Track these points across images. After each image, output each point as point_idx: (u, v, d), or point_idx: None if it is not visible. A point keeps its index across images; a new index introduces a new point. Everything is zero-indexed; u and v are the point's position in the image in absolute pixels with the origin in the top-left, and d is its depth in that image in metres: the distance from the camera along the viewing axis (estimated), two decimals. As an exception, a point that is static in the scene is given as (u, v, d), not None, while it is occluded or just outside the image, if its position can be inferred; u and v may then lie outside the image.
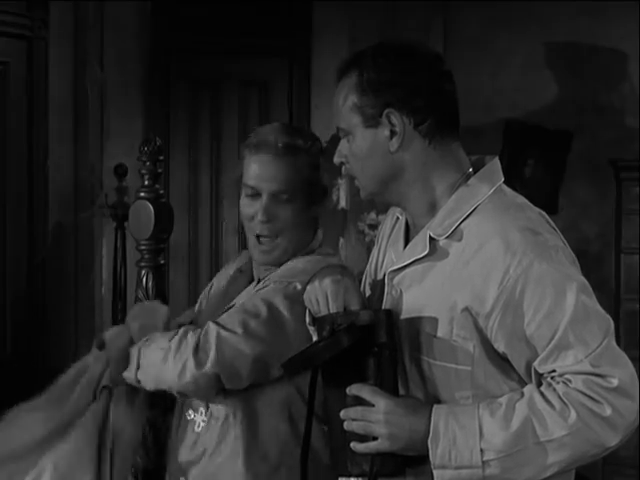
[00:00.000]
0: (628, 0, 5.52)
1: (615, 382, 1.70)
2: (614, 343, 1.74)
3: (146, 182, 3.28)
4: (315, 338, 1.92)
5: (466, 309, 1.76)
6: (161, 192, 3.39)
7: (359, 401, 1.77)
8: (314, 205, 2.27)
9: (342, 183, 5.34)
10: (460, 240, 1.80)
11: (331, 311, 1.85)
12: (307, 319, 1.96)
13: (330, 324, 1.80)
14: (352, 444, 1.77)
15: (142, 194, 3.24)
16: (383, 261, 1.97)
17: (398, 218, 1.98)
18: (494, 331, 1.75)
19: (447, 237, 1.81)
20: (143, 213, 3.18)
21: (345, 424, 1.78)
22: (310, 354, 1.79)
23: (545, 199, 5.56)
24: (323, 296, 1.87)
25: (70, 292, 4.90)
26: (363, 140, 1.84)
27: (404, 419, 1.74)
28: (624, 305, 5.34)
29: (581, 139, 5.73)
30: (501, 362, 1.78)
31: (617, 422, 1.70)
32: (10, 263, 4.67)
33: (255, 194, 2.22)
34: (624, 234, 5.41)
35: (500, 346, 1.76)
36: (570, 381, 1.71)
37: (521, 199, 1.87)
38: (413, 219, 1.90)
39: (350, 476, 1.82)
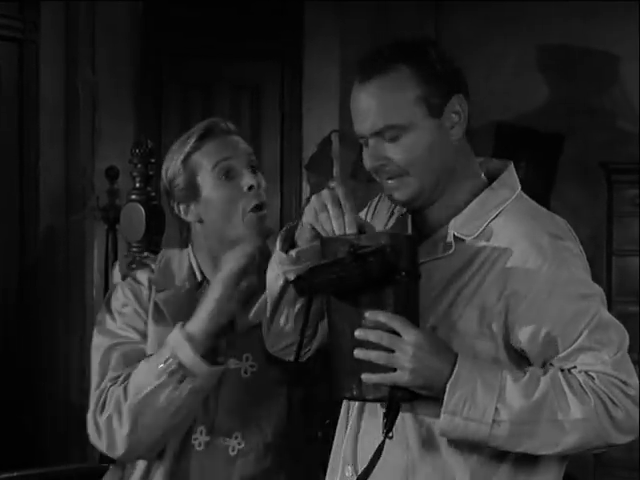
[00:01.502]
0: (620, 0, 5.53)
1: (633, 391, 1.75)
2: (627, 354, 1.79)
3: (137, 184, 3.29)
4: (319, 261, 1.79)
5: (493, 308, 1.78)
6: (152, 194, 3.39)
7: (376, 326, 1.71)
8: None
9: (333, 186, 5.34)
10: (487, 241, 1.82)
11: (347, 219, 1.75)
12: (278, 245, 1.87)
13: (348, 246, 1.69)
14: (364, 376, 1.70)
15: (133, 196, 3.24)
16: None
17: (394, 214, 1.98)
18: (517, 330, 1.77)
19: (474, 238, 1.83)
20: (135, 215, 3.18)
21: (361, 353, 1.70)
22: (337, 280, 1.67)
23: (536, 201, 5.55)
24: (334, 200, 1.79)
25: (61, 294, 4.89)
26: (426, 132, 1.82)
27: (430, 357, 1.71)
28: (616, 307, 5.34)
29: (573, 142, 5.74)
30: (519, 359, 1.80)
31: (627, 425, 1.74)
32: (1, 265, 4.66)
33: (230, 170, 2.17)
34: (616, 236, 5.42)
35: (520, 344, 1.78)
36: (593, 377, 1.74)
37: (542, 207, 1.92)
38: (425, 213, 1.89)
39: (364, 401, 1.78)
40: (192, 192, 2.21)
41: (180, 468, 2.20)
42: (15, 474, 3.43)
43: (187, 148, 2.20)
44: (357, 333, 1.71)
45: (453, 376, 1.71)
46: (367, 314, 1.71)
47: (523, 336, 1.77)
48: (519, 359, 1.79)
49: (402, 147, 1.82)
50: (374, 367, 1.71)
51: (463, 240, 1.83)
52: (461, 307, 1.79)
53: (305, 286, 1.73)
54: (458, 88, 1.84)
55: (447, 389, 1.71)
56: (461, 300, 1.79)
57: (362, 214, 2.03)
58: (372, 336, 1.70)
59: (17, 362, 4.65)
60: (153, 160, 3.38)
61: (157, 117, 5.34)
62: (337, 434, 1.97)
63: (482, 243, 1.81)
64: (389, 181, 1.86)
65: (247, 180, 2.16)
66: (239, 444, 2.17)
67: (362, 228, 1.77)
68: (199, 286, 2.24)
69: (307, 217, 1.81)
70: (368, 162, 1.86)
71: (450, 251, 1.82)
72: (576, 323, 1.76)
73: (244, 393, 2.18)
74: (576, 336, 1.75)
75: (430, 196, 1.87)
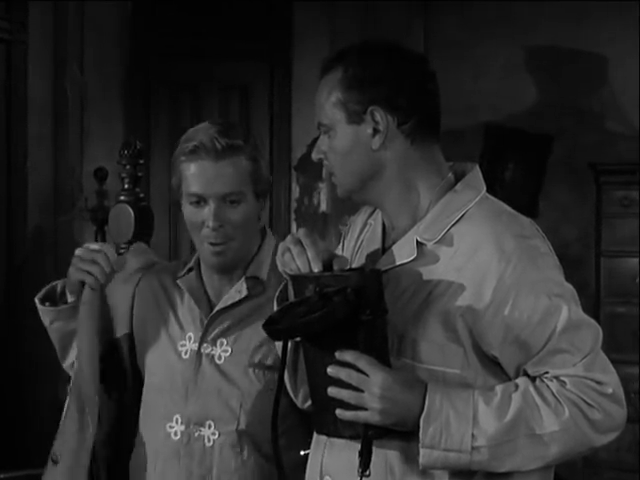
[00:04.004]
0: (609, 1, 5.55)
1: (610, 389, 1.74)
2: (601, 352, 1.77)
3: (126, 185, 3.27)
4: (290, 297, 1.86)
5: (458, 313, 1.76)
6: (141, 195, 3.38)
7: (348, 364, 1.73)
8: (260, 199, 2.25)
9: (323, 187, 5.34)
10: (450, 245, 1.80)
11: (309, 254, 1.78)
12: (275, 306, 1.90)
13: (314, 284, 1.72)
14: (338, 411, 1.73)
15: (122, 197, 3.23)
16: (351, 264, 1.96)
17: (370, 224, 1.98)
18: (486, 335, 1.76)
19: (436, 242, 1.81)
20: (123, 216, 3.17)
21: (334, 391, 1.73)
22: (301, 325, 1.70)
23: (525, 202, 5.57)
24: (294, 240, 1.81)
25: (49, 296, 4.86)
26: (345, 136, 1.83)
27: (399, 395, 1.72)
28: (604, 308, 5.36)
29: (561, 143, 5.74)
30: (491, 364, 1.79)
31: (606, 425, 1.74)
32: (-11, 266, 4.65)
33: (200, 201, 2.18)
34: (604, 237, 5.43)
35: (490, 349, 1.77)
36: (565, 382, 1.73)
37: (508, 207, 1.88)
38: (391, 220, 1.89)
39: (340, 437, 1.79)
40: (180, 193, 2.25)
41: (158, 456, 2.23)
42: (2, 476, 3.41)
43: (178, 152, 2.22)
44: (329, 370, 1.73)
45: (425, 410, 1.71)
46: (336, 354, 1.72)
47: (494, 343, 1.76)
48: (490, 364, 1.78)
49: (330, 145, 1.86)
50: (347, 404, 1.73)
51: (426, 245, 1.81)
52: (427, 314, 1.78)
53: (276, 331, 1.75)
54: (378, 99, 1.80)
55: (421, 424, 1.71)
56: (427, 307, 1.78)
57: (348, 227, 2.06)
58: (342, 374, 1.72)
59: (3, 363, 4.63)
60: (142, 161, 3.36)
61: (146, 118, 5.33)
62: (314, 444, 1.95)
63: (446, 248, 1.80)
64: (331, 177, 1.90)
65: (207, 219, 2.18)
66: (213, 434, 2.18)
67: (331, 259, 1.78)
68: (189, 270, 2.32)
69: (279, 266, 1.86)
70: (313, 153, 1.90)
71: (412, 257, 1.81)
72: (545, 323, 1.74)
73: (218, 380, 2.20)
74: (547, 336, 1.74)
75: (362, 197, 1.89)
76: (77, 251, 2.24)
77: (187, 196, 2.20)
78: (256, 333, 2.15)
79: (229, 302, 2.23)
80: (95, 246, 2.25)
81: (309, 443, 1.98)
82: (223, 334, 2.22)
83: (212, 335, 2.23)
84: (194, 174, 2.17)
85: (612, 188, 5.42)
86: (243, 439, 2.18)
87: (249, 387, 2.19)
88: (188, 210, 2.21)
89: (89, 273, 2.22)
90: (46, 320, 2.35)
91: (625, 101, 5.66)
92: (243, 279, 2.24)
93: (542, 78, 5.83)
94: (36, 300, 2.35)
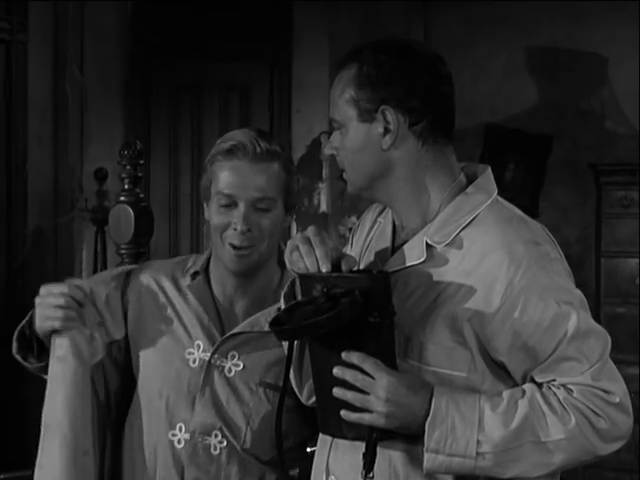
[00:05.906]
0: (609, 1, 5.55)
1: (617, 398, 1.73)
2: (609, 359, 1.76)
3: (126, 186, 3.28)
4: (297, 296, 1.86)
5: (466, 318, 1.75)
6: (141, 196, 3.38)
7: (354, 365, 1.72)
8: (288, 213, 2.21)
9: (323, 187, 5.34)
10: (460, 249, 1.79)
11: (317, 254, 1.76)
12: (282, 303, 1.89)
13: (322, 284, 1.71)
14: (343, 412, 1.72)
15: (122, 198, 3.23)
16: (359, 262, 1.95)
17: (380, 223, 1.97)
18: (493, 341, 1.75)
19: (446, 245, 1.80)
20: (123, 217, 3.17)
21: (339, 392, 1.72)
22: (308, 326, 1.68)
23: (525, 203, 5.57)
24: (303, 238, 1.79)
25: (50, 296, 4.86)
26: (356, 134, 1.82)
27: (404, 399, 1.71)
28: (604, 308, 5.36)
29: (561, 143, 5.75)
30: (498, 369, 1.78)
31: (612, 435, 1.73)
32: (-11, 267, 4.65)
33: (231, 203, 2.13)
34: (604, 238, 5.44)
35: (498, 355, 1.76)
36: (572, 391, 1.73)
37: (519, 210, 1.87)
38: (401, 220, 1.89)
39: (344, 439, 1.79)
40: (207, 194, 2.20)
41: (158, 463, 2.18)
42: (2, 476, 3.41)
43: (215, 152, 2.18)
44: (335, 371, 1.72)
45: (430, 415, 1.70)
46: (342, 355, 1.71)
47: (501, 348, 1.75)
48: (497, 368, 1.77)
49: (342, 142, 1.85)
50: (353, 406, 1.72)
51: (436, 247, 1.80)
52: (435, 316, 1.77)
53: (282, 332, 1.74)
54: (390, 99, 1.79)
55: (426, 429, 1.70)
56: (435, 309, 1.77)
57: (357, 224, 2.05)
58: (348, 376, 1.72)
59: (3, 363, 4.63)
60: (142, 161, 3.37)
61: (146, 118, 5.34)
62: (319, 443, 1.95)
63: (456, 251, 1.79)
64: (342, 173, 1.89)
65: (236, 221, 2.13)
66: (220, 442, 2.15)
67: (339, 258, 1.76)
68: (194, 275, 2.26)
69: (287, 264, 1.84)
70: (326, 149, 1.90)
71: (422, 259, 1.80)
72: (554, 331, 1.73)
73: (227, 393, 2.16)
74: (555, 344, 1.73)
75: (372, 196, 1.88)
76: (37, 299, 2.12)
77: (217, 195, 2.15)
78: (271, 352, 2.14)
79: (255, 329, 2.18)
80: (57, 289, 2.08)
81: (315, 440, 1.97)
82: (236, 347, 2.17)
83: (224, 347, 2.18)
84: (228, 174, 2.13)
85: (612, 188, 5.42)
86: (248, 455, 2.16)
87: (258, 406, 2.16)
88: (215, 210, 2.15)
89: (56, 319, 2.07)
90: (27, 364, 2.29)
91: (625, 101, 5.67)
92: (275, 308, 2.16)
93: (542, 78, 5.83)
94: (14, 349, 2.32)
